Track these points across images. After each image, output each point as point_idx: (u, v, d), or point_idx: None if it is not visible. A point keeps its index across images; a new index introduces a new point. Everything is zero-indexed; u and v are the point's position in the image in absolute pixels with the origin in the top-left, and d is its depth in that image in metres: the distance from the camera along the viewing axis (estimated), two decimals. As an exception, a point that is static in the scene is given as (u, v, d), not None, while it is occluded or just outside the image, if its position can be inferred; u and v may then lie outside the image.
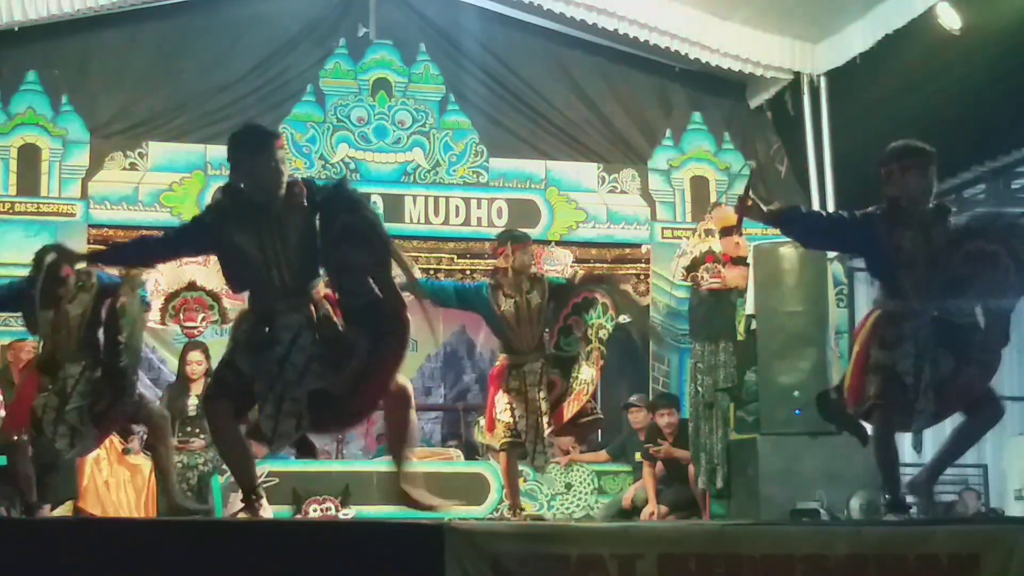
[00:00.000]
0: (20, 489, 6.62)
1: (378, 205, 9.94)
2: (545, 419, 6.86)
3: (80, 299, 6.35)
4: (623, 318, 7.24)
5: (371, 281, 4.70)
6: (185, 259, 9.47)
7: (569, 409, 6.94)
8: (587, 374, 7.03)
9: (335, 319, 4.81)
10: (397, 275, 4.88)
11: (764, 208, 5.11)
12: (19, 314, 6.65)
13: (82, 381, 6.23)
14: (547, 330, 6.97)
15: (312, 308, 4.79)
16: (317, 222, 4.77)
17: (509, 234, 7.31)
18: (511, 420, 6.88)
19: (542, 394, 6.85)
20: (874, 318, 5.19)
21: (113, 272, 6.37)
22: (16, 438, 6.52)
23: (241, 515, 4.90)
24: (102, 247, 6.07)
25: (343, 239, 4.71)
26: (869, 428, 5.37)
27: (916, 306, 5.05)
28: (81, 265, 6.36)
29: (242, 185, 4.83)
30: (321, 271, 4.88)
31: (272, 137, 4.91)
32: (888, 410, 5.11)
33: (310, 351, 4.71)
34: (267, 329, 4.74)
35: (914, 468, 13.05)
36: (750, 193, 5.11)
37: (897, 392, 5.06)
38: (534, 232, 10.17)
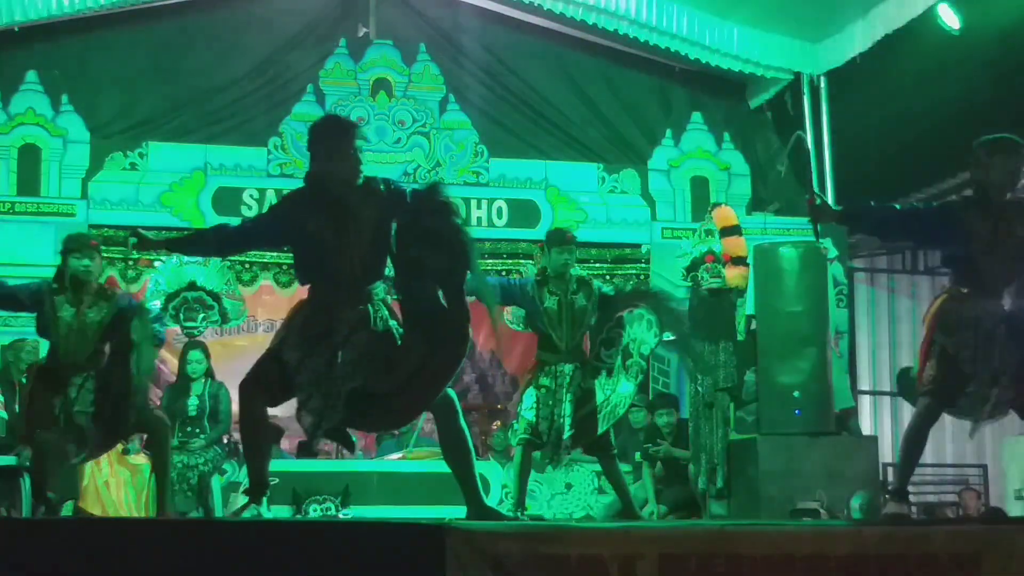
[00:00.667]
0: (40, 487, 6.53)
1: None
2: (571, 431, 6.81)
3: (99, 307, 6.25)
4: (667, 336, 7.24)
5: (439, 289, 4.63)
6: (186, 260, 9.52)
7: (602, 424, 6.90)
8: (625, 388, 6.99)
9: (392, 322, 4.75)
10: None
11: (832, 208, 5.10)
12: (32, 314, 6.54)
13: (86, 389, 6.20)
14: (588, 338, 6.96)
15: (372, 307, 4.74)
16: (395, 222, 4.74)
17: (551, 234, 7.33)
18: (534, 419, 6.86)
19: (569, 399, 6.81)
20: (940, 302, 5.17)
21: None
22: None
23: (245, 513, 4.89)
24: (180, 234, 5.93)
25: (422, 241, 4.66)
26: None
27: (986, 295, 5.03)
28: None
29: (317, 174, 4.81)
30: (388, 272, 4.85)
31: (352, 127, 4.92)
32: (936, 396, 5.08)
33: (363, 349, 4.66)
34: (325, 321, 4.69)
35: (917, 468, 13.06)
36: (816, 193, 5.07)
37: (953, 378, 5.03)
38: (534, 232, 10.19)
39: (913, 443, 5.15)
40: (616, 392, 6.93)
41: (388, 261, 4.80)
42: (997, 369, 4.99)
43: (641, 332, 6.94)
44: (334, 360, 4.64)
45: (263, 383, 4.73)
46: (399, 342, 4.69)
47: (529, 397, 6.86)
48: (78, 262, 6.13)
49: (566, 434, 6.79)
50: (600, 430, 6.82)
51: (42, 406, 6.27)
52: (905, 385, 5.78)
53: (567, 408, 6.76)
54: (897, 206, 5.34)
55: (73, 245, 6.22)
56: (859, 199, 10.77)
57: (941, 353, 5.05)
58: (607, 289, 7.14)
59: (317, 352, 4.65)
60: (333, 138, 4.83)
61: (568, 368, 6.80)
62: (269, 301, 10.66)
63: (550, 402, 6.77)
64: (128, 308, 6.30)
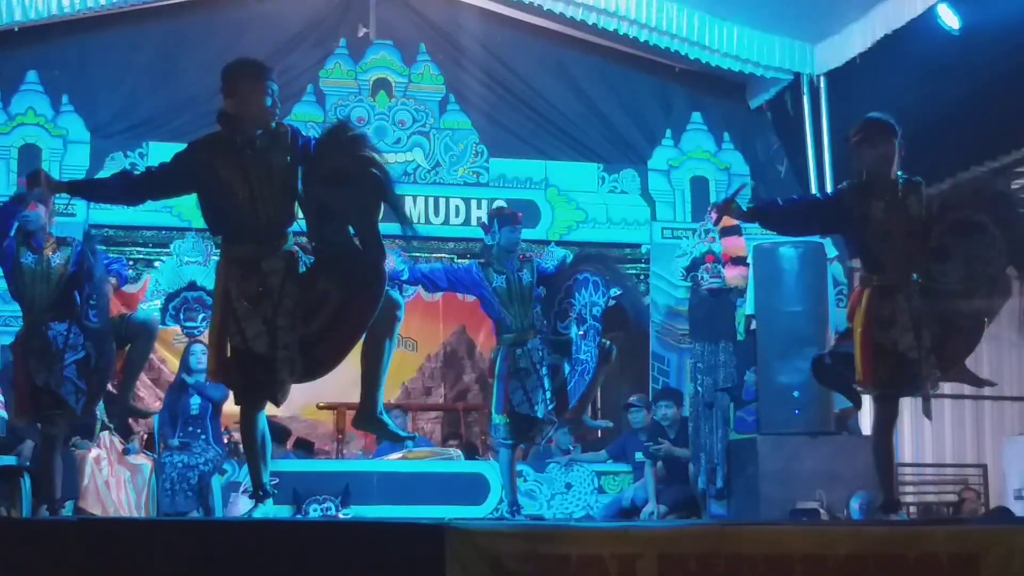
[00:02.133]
0: (46, 484, 6.44)
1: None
2: (551, 404, 6.82)
3: (63, 251, 6.12)
4: (613, 291, 7.25)
5: (352, 229, 4.57)
6: (186, 259, 9.52)
7: (574, 393, 6.93)
8: (587, 352, 7.02)
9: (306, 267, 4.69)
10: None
11: (742, 208, 5.15)
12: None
13: (70, 338, 6.04)
14: (541, 315, 6.93)
15: (291, 253, 4.69)
16: (301, 166, 4.67)
17: (496, 211, 7.33)
18: (509, 416, 6.87)
19: (545, 372, 6.82)
20: (866, 297, 5.21)
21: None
22: (29, 422, 6.38)
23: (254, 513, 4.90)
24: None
25: (330, 182, 4.59)
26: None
27: (898, 278, 5.08)
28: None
29: (231, 114, 4.74)
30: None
31: (265, 69, 4.88)
32: (894, 397, 5.15)
33: (296, 296, 4.62)
34: (256, 280, 4.62)
35: (913, 468, 13.13)
36: (733, 198, 5.15)
37: (905, 372, 5.09)
38: (534, 232, 10.19)
39: (887, 450, 5.21)
40: (579, 360, 6.97)
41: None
42: (928, 346, 5.07)
43: (589, 295, 6.97)
44: (276, 313, 4.59)
45: (256, 387, 4.70)
46: (316, 288, 4.62)
47: (515, 391, 6.83)
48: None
49: (547, 408, 6.79)
50: (572, 402, 6.86)
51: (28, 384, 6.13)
52: (821, 372, 5.81)
53: (546, 383, 6.78)
54: (795, 197, 5.39)
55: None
56: (770, 198, 10.85)
57: (884, 350, 5.09)
58: (547, 264, 7.15)
59: (260, 316, 4.59)
60: (244, 78, 4.80)
61: (536, 342, 6.82)
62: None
63: (535, 382, 6.77)
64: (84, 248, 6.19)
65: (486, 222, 7.29)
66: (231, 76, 4.83)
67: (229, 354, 4.72)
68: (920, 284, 5.12)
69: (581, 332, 6.96)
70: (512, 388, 6.76)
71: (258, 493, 4.92)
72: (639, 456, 8.82)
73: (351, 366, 10.89)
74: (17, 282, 6.11)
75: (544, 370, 6.78)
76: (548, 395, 6.76)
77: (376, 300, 4.60)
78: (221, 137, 4.75)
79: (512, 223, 6.97)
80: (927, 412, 5.29)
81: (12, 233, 6.07)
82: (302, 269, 4.69)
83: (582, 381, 6.95)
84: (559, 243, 10.52)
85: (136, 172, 4.99)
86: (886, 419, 5.20)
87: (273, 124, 4.76)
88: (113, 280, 6.48)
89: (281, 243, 4.69)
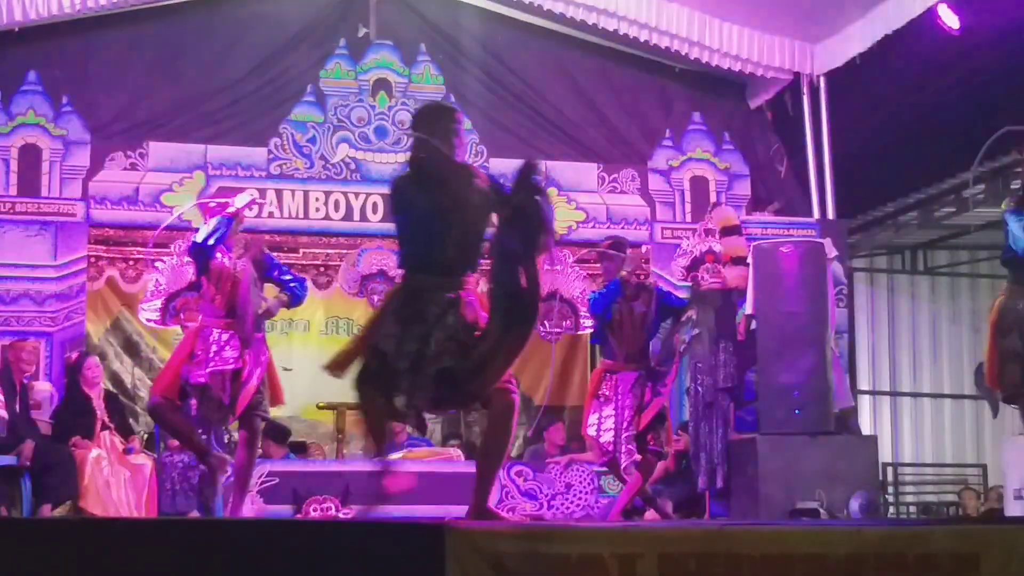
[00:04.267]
0: (189, 441, 6.60)
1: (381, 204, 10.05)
2: (628, 427, 6.94)
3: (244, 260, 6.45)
4: (695, 331, 7.35)
5: (520, 269, 4.67)
6: (186, 259, 9.51)
7: (647, 415, 7.02)
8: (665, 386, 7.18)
9: (476, 309, 4.80)
10: None
11: None
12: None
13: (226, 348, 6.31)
14: (653, 345, 7.06)
15: (462, 292, 4.79)
16: (494, 212, 4.79)
17: (612, 242, 7.47)
18: (595, 434, 7.01)
19: (628, 404, 6.93)
20: (997, 305, 5.33)
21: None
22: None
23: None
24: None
25: (507, 223, 4.71)
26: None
27: None
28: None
29: (423, 157, 4.86)
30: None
31: (451, 110, 5.03)
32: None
33: (451, 331, 4.71)
34: (418, 305, 4.75)
35: (912, 467, 13.13)
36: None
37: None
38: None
39: None
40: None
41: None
42: None
43: (685, 332, 7.07)
44: (427, 342, 4.69)
45: (373, 380, 4.81)
46: (478, 328, 4.75)
47: (593, 417, 7.02)
48: None
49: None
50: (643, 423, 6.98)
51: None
52: (979, 379, 5.97)
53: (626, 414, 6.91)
54: None
55: None
56: (852, 204, 10.82)
57: (1012, 356, 5.18)
58: (673, 298, 7.24)
59: (410, 335, 4.71)
60: (434, 120, 4.90)
61: (628, 376, 6.94)
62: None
63: (611, 411, 6.94)
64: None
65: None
66: (419, 119, 4.97)
67: (363, 365, 4.85)
68: None
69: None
70: (593, 422, 6.97)
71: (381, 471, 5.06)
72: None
73: (351, 366, 10.80)
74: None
75: (627, 401, 6.90)
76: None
77: (526, 338, 4.71)
78: (415, 176, 4.87)
79: (614, 253, 7.12)
80: None
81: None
82: (469, 314, 4.78)
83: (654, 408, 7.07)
84: (559, 243, 10.53)
85: None
86: None
87: (461, 163, 4.90)
88: (285, 296, 6.54)
89: (458, 282, 4.79)
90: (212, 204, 6.65)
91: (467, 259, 4.82)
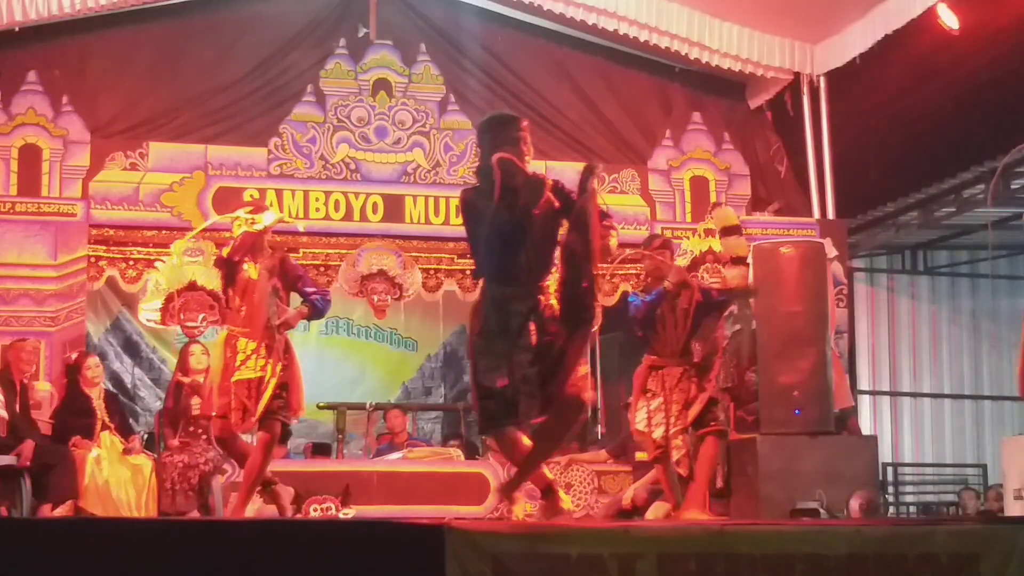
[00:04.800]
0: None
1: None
2: (676, 422, 6.96)
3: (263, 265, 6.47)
4: (736, 326, 7.36)
5: (581, 271, 4.76)
6: (186, 259, 9.53)
7: (695, 411, 7.04)
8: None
9: (551, 310, 4.85)
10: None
11: None
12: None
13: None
14: (696, 341, 7.07)
15: (540, 297, 4.85)
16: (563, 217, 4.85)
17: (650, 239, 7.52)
18: (647, 429, 7.03)
19: (676, 401, 6.96)
20: None
21: None
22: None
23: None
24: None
25: (578, 228, 4.77)
26: None
27: None
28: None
29: (494, 167, 4.87)
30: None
31: (513, 119, 5.04)
32: None
33: (538, 336, 4.77)
34: (500, 318, 4.81)
35: (913, 468, 13.12)
36: None
37: None
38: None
39: None
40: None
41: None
42: None
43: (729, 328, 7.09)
44: (518, 350, 4.75)
45: (499, 418, 4.86)
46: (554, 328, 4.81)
47: (641, 411, 7.06)
48: None
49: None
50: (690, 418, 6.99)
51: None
52: None
53: (674, 409, 6.92)
54: None
55: None
56: (852, 203, 10.81)
57: None
58: (711, 295, 7.26)
59: (500, 356, 4.78)
60: (500, 129, 4.94)
61: (675, 371, 6.97)
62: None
63: (660, 406, 6.98)
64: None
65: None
66: (489, 129, 5.00)
67: (481, 410, 4.94)
68: None
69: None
70: (644, 416, 7.04)
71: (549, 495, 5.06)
72: (639, 456, 8.81)
73: (350, 365, 10.87)
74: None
75: (674, 396, 6.92)
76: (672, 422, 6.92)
77: (587, 339, 4.83)
78: (485, 188, 4.90)
79: (652, 249, 7.31)
80: None
81: None
82: (548, 317, 4.83)
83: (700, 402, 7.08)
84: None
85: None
86: None
87: (527, 174, 4.91)
88: (305, 308, 6.58)
89: (536, 289, 4.85)
90: (242, 220, 6.60)
91: (542, 266, 4.88)
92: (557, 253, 4.91)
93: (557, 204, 4.84)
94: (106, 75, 10.31)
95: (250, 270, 6.47)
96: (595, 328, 4.83)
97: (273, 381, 6.37)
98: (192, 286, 9.66)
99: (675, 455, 7.09)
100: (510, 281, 4.83)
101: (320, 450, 9.83)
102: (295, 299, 6.76)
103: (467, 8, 10.92)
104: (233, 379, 6.36)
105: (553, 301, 4.85)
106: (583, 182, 4.82)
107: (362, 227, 10.37)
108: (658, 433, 7.04)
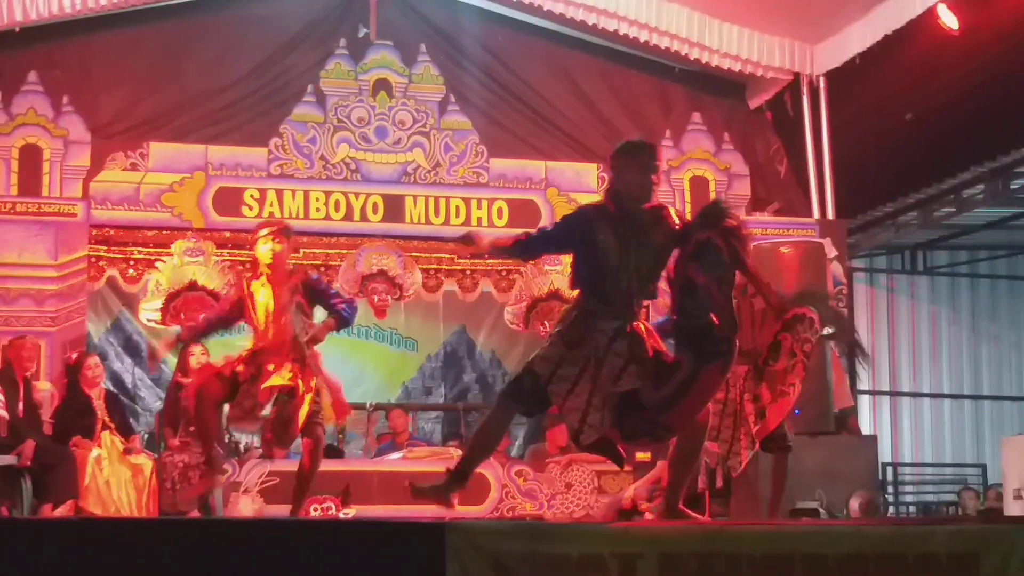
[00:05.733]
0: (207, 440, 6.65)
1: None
2: (754, 427, 6.90)
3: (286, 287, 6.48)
4: (827, 330, 7.32)
5: (711, 302, 4.77)
6: (186, 259, 9.52)
7: (775, 415, 6.98)
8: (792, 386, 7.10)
9: (647, 338, 4.88)
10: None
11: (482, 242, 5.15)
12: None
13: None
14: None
15: (631, 321, 4.88)
16: (677, 248, 4.90)
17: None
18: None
19: (747, 400, 6.90)
20: None
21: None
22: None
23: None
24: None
25: (695, 257, 4.81)
26: None
27: None
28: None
29: (619, 191, 4.95)
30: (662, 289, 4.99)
31: (646, 147, 5.04)
32: None
33: (627, 356, 4.79)
34: (582, 330, 4.83)
35: (913, 468, 13.12)
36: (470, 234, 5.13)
37: None
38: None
39: None
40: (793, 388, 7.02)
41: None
42: None
43: (804, 332, 7.02)
44: (596, 365, 4.78)
45: (518, 396, 4.91)
46: (664, 358, 4.84)
47: None
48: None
49: (742, 436, 6.93)
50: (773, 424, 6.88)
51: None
52: None
53: (746, 411, 6.89)
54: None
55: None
56: (852, 203, 10.82)
57: None
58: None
59: (571, 359, 4.80)
60: (629, 155, 4.97)
61: (739, 370, 6.92)
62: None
63: (720, 403, 6.89)
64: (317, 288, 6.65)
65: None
66: (618, 153, 5.02)
67: (515, 382, 4.98)
68: None
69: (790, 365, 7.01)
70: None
71: (456, 483, 5.07)
72: (639, 456, 8.81)
73: (350, 365, 10.88)
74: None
75: (745, 397, 6.89)
76: (741, 425, 6.88)
77: (724, 372, 4.86)
78: (606, 207, 4.96)
79: None
80: None
81: None
82: (639, 339, 4.85)
83: (783, 407, 7.00)
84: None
85: (532, 233, 5.19)
86: None
87: (649, 198, 4.95)
88: (332, 320, 6.62)
89: (630, 312, 4.88)
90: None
91: (644, 291, 4.91)
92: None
93: (673, 232, 4.90)
94: (106, 75, 10.32)
95: (266, 293, 6.46)
96: (729, 364, 4.82)
97: (309, 396, 6.41)
98: (192, 286, 9.65)
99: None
100: (605, 300, 4.86)
101: (327, 452, 9.79)
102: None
103: (467, 8, 10.92)
104: (263, 386, 6.37)
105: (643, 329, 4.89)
106: (706, 215, 4.93)
107: (362, 227, 10.38)
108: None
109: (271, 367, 6.39)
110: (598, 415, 4.79)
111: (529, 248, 5.24)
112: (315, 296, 6.63)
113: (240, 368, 6.40)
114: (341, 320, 6.66)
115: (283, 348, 6.43)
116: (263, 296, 6.45)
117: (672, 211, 5.01)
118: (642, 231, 4.87)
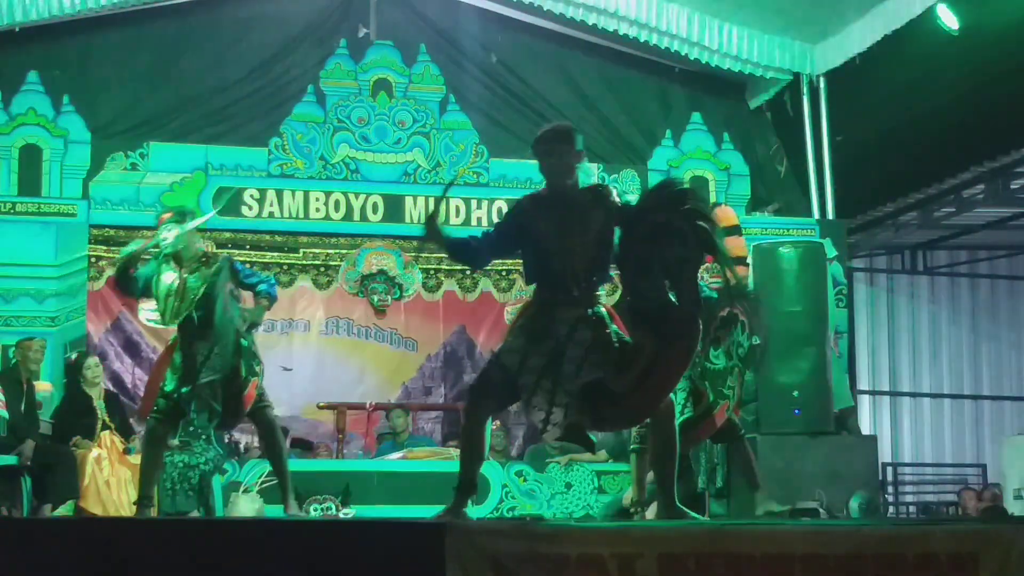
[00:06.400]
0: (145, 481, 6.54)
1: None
2: (691, 431, 6.84)
3: (202, 272, 6.33)
4: (755, 340, 7.31)
5: (669, 283, 4.70)
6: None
7: (720, 419, 6.94)
8: (730, 388, 7.07)
9: (609, 321, 4.81)
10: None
11: (443, 237, 5.10)
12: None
13: (212, 358, 6.25)
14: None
15: (591, 307, 4.82)
16: (618, 225, 4.82)
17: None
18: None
19: (688, 404, 6.84)
20: None
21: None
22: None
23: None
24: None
25: (649, 238, 4.72)
26: None
27: None
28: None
29: (544, 176, 4.99)
30: (614, 273, 4.92)
31: (563, 130, 5.10)
32: None
33: (589, 344, 4.72)
34: (545, 321, 4.78)
35: (912, 467, 13.12)
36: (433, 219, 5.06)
37: None
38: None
39: None
40: (732, 389, 6.99)
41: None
42: None
43: (739, 335, 6.98)
44: (557, 357, 4.71)
45: (487, 389, 4.89)
46: (626, 342, 4.74)
47: None
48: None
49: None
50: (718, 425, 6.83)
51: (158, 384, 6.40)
52: None
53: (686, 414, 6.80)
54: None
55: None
56: (852, 203, 10.82)
57: None
58: (710, 293, 7.17)
59: (537, 351, 4.74)
60: (537, 143, 5.04)
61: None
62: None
63: None
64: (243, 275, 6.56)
65: None
66: (545, 140, 5.07)
67: (483, 376, 4.98)
68: None
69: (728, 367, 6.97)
70: None
71: (464, 492, 5.07)
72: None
73: (351, 365, 10.86)
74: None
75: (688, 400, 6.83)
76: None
77: (690, 353, 4.75)
78: (542, 194, 5.00)
79: None
80: None
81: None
82: (600, 326, 4.78)
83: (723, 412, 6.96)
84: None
85: (480, 238, 5.14)
86: None
87: (572, 180, 4.96)
88: (265, 301, 6.53)
89: (585, 296, 4.81)
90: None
91: (591, 273, 4.83)
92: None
93: (613, 211, 4.81)
94: (107, 75, 10.33)
95: (188, 278, 6.40)
96: (695, 343, 4.72)
97: (252, 379, 6.39)
98: (192, 286, 9.63)
99: None
100: (559, 288, 4.81)
101: (298, 444, 9.78)
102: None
103: (467, 8, 10.93)
104: (199, 381, 6.33)
105: (605, 314, 4.82)
106: (656, 193, 4.85)
107: (362, 227, 10.38)
108: None
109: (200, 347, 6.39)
110: (561, 412, 4.74)
111: (477, 256, 5.17)
112: (239, 280, 6.58)
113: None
114: (270, 298, 6.63)
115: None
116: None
117: (614, 191, 4.92)
118: (580, 212, 4.82)
